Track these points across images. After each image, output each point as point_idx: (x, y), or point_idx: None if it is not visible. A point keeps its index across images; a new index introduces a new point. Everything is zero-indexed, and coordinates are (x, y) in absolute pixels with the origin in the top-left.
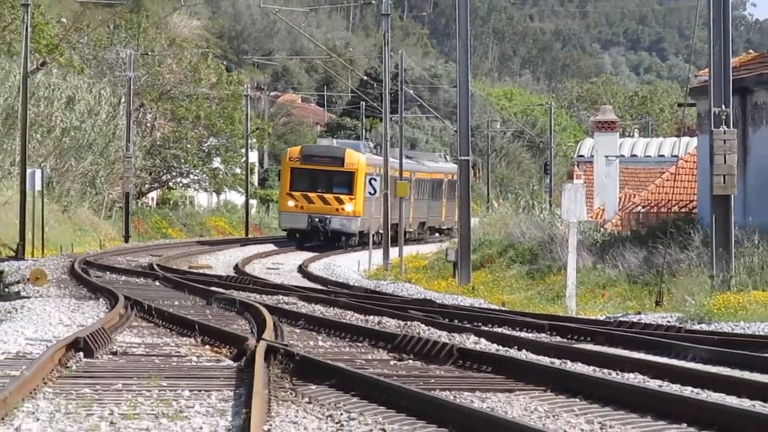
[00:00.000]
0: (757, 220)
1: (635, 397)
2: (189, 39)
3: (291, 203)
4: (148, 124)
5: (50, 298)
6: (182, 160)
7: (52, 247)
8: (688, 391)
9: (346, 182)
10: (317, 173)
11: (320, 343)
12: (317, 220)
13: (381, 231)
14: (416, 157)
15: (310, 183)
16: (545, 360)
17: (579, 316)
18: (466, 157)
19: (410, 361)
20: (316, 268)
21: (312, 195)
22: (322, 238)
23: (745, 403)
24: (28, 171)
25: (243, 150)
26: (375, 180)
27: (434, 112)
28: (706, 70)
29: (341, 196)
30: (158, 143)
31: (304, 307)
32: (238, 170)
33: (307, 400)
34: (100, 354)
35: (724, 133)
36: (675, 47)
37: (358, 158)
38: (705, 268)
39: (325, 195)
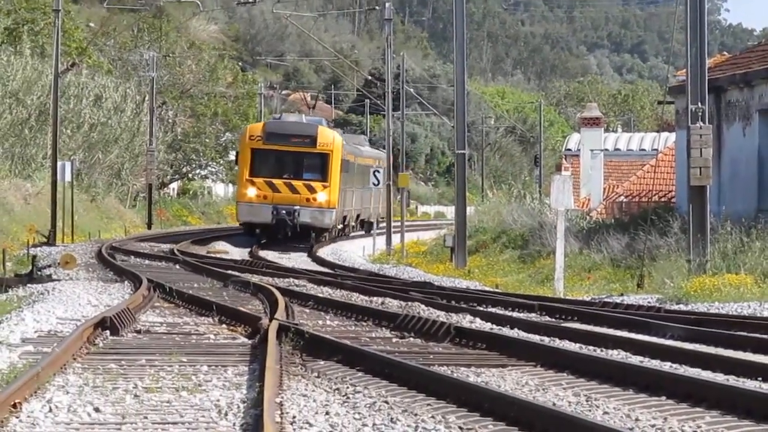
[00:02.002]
0: (730, 209)
1: (618, 371)
2: (207, 42)
3: (252, 192)
4: (170, 120)
5: (79, 280)
6: (201, 154)
7: (81, 233)
8: (667, 366)
9: (318, 166)
10: (284, 155)
11: (328, 322)
12: (284, 212)
13: (353, 223)
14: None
15: (275, 167)
16: (535, 338)
17: (566, 297)
18: (462, 151)
19: (411, 339)
20: (324, 253)
21: (277, 182)
22: (290, 234)
23: (719, 378)
24: (59, 163)
25: None
26: (378, 171)
27: (433, 109)
28: (684, 70)
29: (312, 183)
30: (179, 138)
31: (313, 289)
32: None
33: (316, 374)
34: (125, 332)
35: (701, 128)
36: (655, 49)
37: (333, 137)
38: (682, 253)
39: (294, 182)
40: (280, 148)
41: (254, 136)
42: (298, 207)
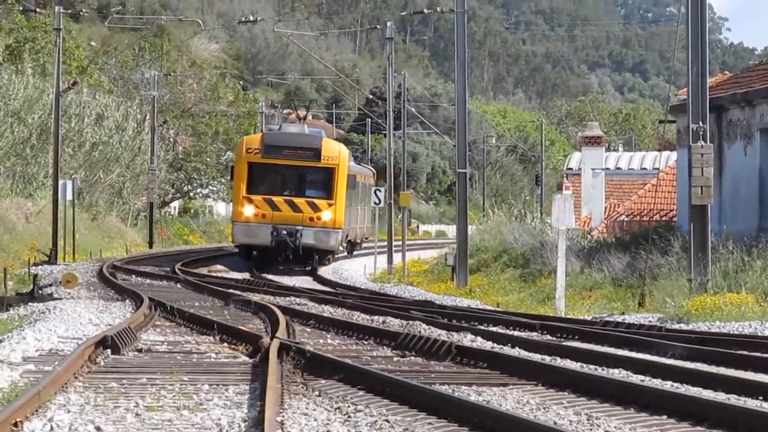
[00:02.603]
0: (731, 228)
1: (619, 390)
2: (208, 61)
3: (249, 211)
4: (171, 139)
5: (80, 299)
6: (202, 173)
7: (83, 252)
8: (668, 385)
9: (322, 182)
10: (284, 170)
11: (329, 340)
12: (284, 233)
13: (358, 241)
14: None
15: (275, 183)
16: (536, 357)
17: (568, 316)
18: (463, 170)
19: (412, 358)
20: (325, 272)
21: (277, 200)
22: (291, 257)
23: (720, 396)
24: (60, 182)
25: None
26: (380, 191)
27: (434, 128)
28: (685, 89)
29: (316, 201)
30: (180, 157)
31: (314, 308)
32: None
33: (317, 393)
34: (126, 351)
35: (702, 147)
36: (656, 69)
37: (339, 150)
38: (684, 272)
39: (295, 199)
40: (280, 162)
41: (251, 149)
42: (300, 227)
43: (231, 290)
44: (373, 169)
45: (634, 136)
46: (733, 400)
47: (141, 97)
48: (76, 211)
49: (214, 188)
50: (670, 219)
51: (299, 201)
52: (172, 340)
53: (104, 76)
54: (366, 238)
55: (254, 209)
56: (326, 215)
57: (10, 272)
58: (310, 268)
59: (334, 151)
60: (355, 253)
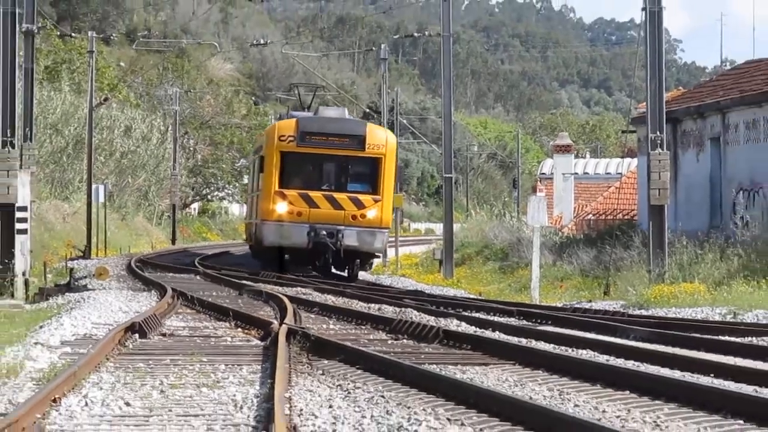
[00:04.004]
0: (685, 226)
1: (587, 369)
2: (224, 79)
3: (282, 208)
4: (191, 148)
5: (111, 290)
6: (219, 178)
7: (113, 248)
8: (630, 364)
9: (367, 175)
10: (324, 161)
11: (331, 326)
12: (324, 233)
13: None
14: None
15: (313, 176)
16: (514, 339)
17: (542, 304)
18: (449, 175)
19: (405, 341)
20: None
21: (315, 195)
22: (331, 261)
23: (676, 374)
24: (93, 186)
25: None
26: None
27: (423, 138)
28: (644, 103)
29: (360, 197)
30: (199, 164)
31: (318, 297)
32: None
33: (321, 372)
34: (152, 335)
35: (659, 154)
36: (619, 85)
37: (386, 138)
38: (644, 265)
39: (336, 195)
40: (318, 151)
41: (285, 136)
42: (341, 226)
43: (244, 281)
44: None
45: (600, 144)
46: (687, 377)
47: (164, 111)
48: (108, 212)
49: (229, 191)
50: (632, 218)
51: (340, 197)
52: (193, 325)
53: (132, 93)
54: None
55: (288, 206)
56: (371, 213)
57: (50, 266)
58: (349, 274)
59: (381, 139)
60: None
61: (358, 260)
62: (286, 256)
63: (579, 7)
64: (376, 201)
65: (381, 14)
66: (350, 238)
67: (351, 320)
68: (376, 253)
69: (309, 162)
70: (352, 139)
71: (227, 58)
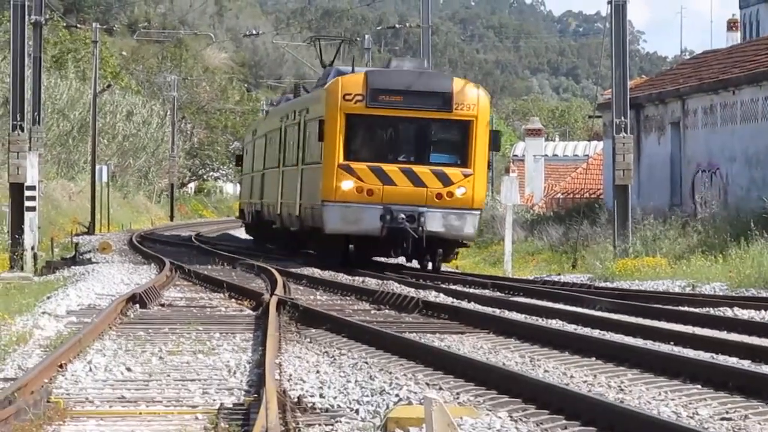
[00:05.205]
0: (648, 204)
1: (556, 337)
2: (219, 67)
3: (347, 185)
4: (188, 132)
5: (114, 263)
6: (213, 159)
7: (116, 224)
8: (596, 333)
9: (455, 143)
10: (400, 126)
11: (318, 297)
12: (402, 216)
13: None
14: None
15: (387, 146)
16: (489, 310)
17: (514, 277)
18: None
19: (386, 311)
20: None
21: (390, 169)
22: (410, 250)
23: (639, 342)
24: (97, 167)
25: None
26: None
27: None
28: (610, 90)
29: (447, 171)
30: (195, 146)
31: (306, 270)
32: None
33: (308, 340)
34: (151, 306)
35: (623, 138)
36: (586, 73)
37: (477, 96)
38: (609, 240)
39: (417, 168)
40: (394, 113)
41: (350, 95)
42: (423, 208)
43: (237, 255)
44: None
45: (568, 128)
46: (650, 345)
47: (163, 97)
48: (110, 191)
49: (224, 172)
50: (598, 197)
51: (422, 170)
52: (189, 296)
53: (133, 80)
54: None
55: (355, 183)
56: (461, 190)
57: (56, 241)
58: (432, 266)
59: (472, 97)
60: None
61: (440, 249)
62: (351, 246)
63: (549, 1)
64: (466, 175)
65: (365, 7)
66: (434, 222)
67: (337, 291)
68: (466, 241)
69: (382, 127)
70: (436, 97)
71: (222, 47)
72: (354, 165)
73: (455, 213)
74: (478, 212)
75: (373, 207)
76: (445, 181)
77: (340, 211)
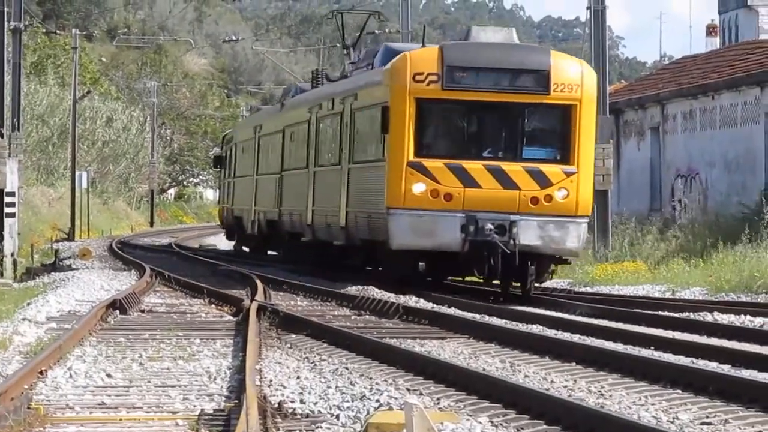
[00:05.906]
0: (627, 209)
1: (537, 342)
2: (198, 73)
3: (419, 188)
4: (168, 138)
5: (94, 269)
6: (193, 165)
7: (95, 231)
8: (576, 338)
9: (555, 133)
10: (484, 112)
11: (299, 302)
12: (489, 227)
13: None
14: None
15: (468, 138)
16: (469, 315)
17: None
18: None
19: (367, 316)
20: None
21: (473, 167)
22: (500, 269)
23: (619, 347)
24: (77, 173)
25: None
26: None
27: None
28: None
29: (545, 169)
30: (175, 152)
31: (286, 276)
32: None
33: (289, 345)
34: (132, 312)
35: (603, 143)
36: None
37: (581, 73)
38: (589, 245)
39: (506, 166)
40: (476, 97)
41: (421, 75)
42: (515, 216)
43: (218, 261)
44: None
45: None
46: (630, 349)
47: (143, 103)
48: (90, 197)
49: (204, 178)
50: None
51: (513, 168)
52: (170, 302)
53: (113, 86)
54: None
55: (428, 186)
56: (561, 193)
57: (36, 247)
58: (522, 291)
59: (574, 75)
60: None
61: (532, 266)
62: (421, 263)
63: (528, 6)
64: (568, 174)
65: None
66: (529, 234)
67: (317, 297)
68: (566, 256)
69: (462, 114)
70: (530, 76)
71: (201, 53)
72: (427, 163)
73: (555, 222)
74: (585, 220)
75: (453, 215)
76: (543, 181)
77: (411, 220)
